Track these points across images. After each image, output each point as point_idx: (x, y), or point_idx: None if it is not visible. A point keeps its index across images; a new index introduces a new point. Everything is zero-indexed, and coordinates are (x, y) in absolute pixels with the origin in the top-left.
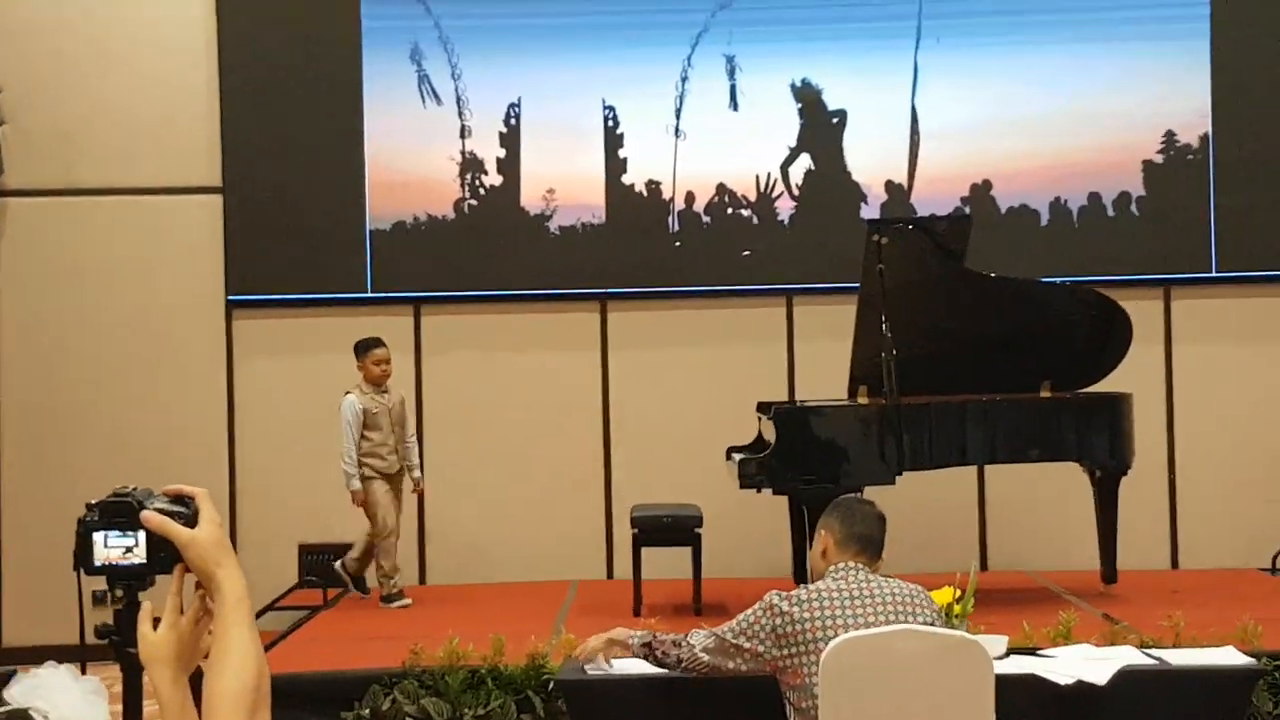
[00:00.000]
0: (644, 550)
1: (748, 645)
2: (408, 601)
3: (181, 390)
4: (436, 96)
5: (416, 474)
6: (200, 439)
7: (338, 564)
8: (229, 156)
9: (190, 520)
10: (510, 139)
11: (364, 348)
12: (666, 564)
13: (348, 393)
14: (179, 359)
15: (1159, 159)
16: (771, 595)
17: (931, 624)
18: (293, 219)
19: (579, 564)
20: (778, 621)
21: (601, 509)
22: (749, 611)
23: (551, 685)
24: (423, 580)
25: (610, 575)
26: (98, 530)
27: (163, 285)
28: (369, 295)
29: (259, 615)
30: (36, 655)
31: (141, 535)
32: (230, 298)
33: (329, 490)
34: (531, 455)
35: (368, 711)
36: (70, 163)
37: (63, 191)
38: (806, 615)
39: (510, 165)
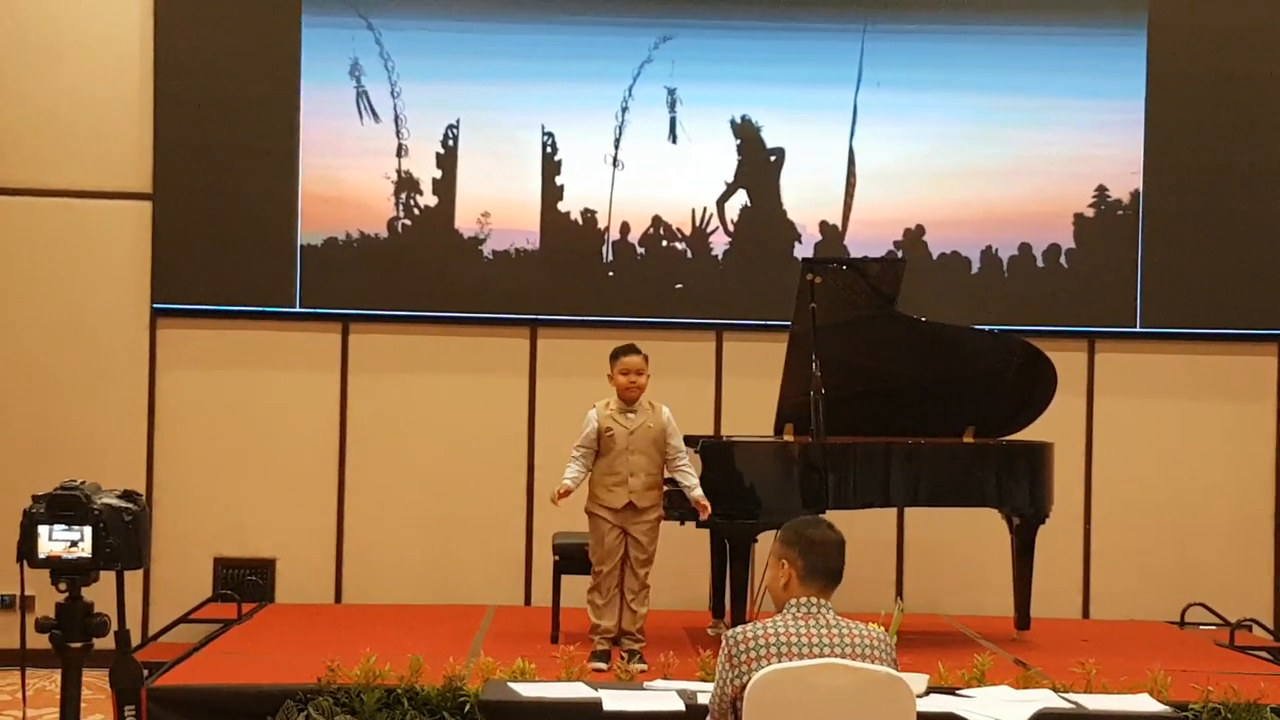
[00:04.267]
0: (564, 578)
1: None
2: (602, 666)
3: (102, 397)
4: (375, 114)
5: (696, 493)
6: (119, 447)
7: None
8: (160, 162)
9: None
10: (447, 160)
11: (613, 355)
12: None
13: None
14: (101, 365)
15: (1090, 213)
16: (730, 634)
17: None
18: (223, 229)
19: (497, 589)
20: (733, 650)
21: (523, 535)
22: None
23: (468, 707)
24: (339, 599)
25: (528, 602)
26: (43, 523)
27: (88, 290)
28: (297, 310)
29: (171, 627)
30: None
31: (88, 530)
32: (155, 306)
33: (246, 504)
34: (454, 479)
35: None
36: None
37: None
38: (762, 650)
39: (446, 187)
